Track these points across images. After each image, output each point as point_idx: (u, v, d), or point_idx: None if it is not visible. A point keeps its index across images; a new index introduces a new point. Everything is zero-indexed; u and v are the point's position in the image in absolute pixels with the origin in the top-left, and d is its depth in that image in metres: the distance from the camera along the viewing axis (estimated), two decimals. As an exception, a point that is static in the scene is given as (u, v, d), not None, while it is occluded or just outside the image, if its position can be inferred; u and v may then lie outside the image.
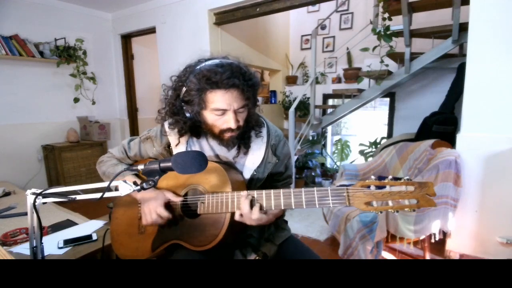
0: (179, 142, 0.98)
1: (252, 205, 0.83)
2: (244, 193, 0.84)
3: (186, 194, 0.97)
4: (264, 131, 1.01)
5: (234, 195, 0.86)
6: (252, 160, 0.98)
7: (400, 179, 0.71)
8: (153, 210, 0.92)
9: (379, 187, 0.73)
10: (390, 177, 0.72)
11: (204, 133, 0.99)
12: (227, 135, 0.91)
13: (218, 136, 0.92)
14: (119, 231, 1.06)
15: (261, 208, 0.83)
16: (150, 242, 0.98)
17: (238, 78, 0.84)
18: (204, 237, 0.89)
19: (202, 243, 0.88)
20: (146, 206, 0.94)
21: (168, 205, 0.96)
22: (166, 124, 1.00)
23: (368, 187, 0.72)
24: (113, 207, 1.11)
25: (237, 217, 0.85)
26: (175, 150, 0.99)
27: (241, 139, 0.97)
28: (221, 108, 0.85)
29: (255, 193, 0.84)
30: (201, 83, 0.83)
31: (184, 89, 0.88)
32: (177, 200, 0.95)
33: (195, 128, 0.96)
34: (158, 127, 1.05)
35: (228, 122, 0.87)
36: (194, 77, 0.85)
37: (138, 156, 1.09)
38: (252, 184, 0.99)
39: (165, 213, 0.92)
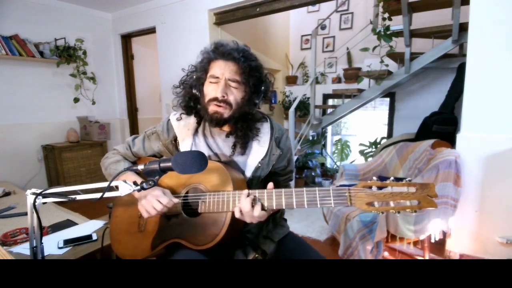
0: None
1: (253, 203, 0.82)
2: (245, 191, 0.84)
3: (187, 193, 0.97)
4: (266, 125, 1.04)
5: (236, 194, 0.86)
6: (257, 152, 1.00)
7: (401, 179, 0.71)
8: (154, 199, 0.90)
9: (380, 188, 0.73)
10: (391, 178, 0.72)
11: (208, 127, 1.02)
12: (213, 107, 0.93)
13: (207, 110, 0.95)
14: (118, 230, 1.06)
15: (262, 207, 0.83)
16: (150, 241, 0.97)
17: (239, 53, 0.92)
18: (204, 236, 0.89)
19: (202, 242, 0.88)
20: (144, 199, 0.92)
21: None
22: (171, 117, 1.06)
23: (370, 187, 0.73)
24: (113, 206, 1.11)
25: (237, 214, 0.85)
26: (181, 145, 1.02)
27: (239, 132, 0.98)
28: (215, 75, 0.92)
29: (256, 192, 0.84)
30: (210, 52, 0.95)
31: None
32: (174, 200, 0.93)
33: (198, 111, 1.01)
34: (164, 121, 1.08)
35: (216, 91, 0.92)
36: (207, 47, 0.98)
37: (141, 152, 1.10)
38: (256, 175, 0.99)
39: (166, 199, 0.90)
